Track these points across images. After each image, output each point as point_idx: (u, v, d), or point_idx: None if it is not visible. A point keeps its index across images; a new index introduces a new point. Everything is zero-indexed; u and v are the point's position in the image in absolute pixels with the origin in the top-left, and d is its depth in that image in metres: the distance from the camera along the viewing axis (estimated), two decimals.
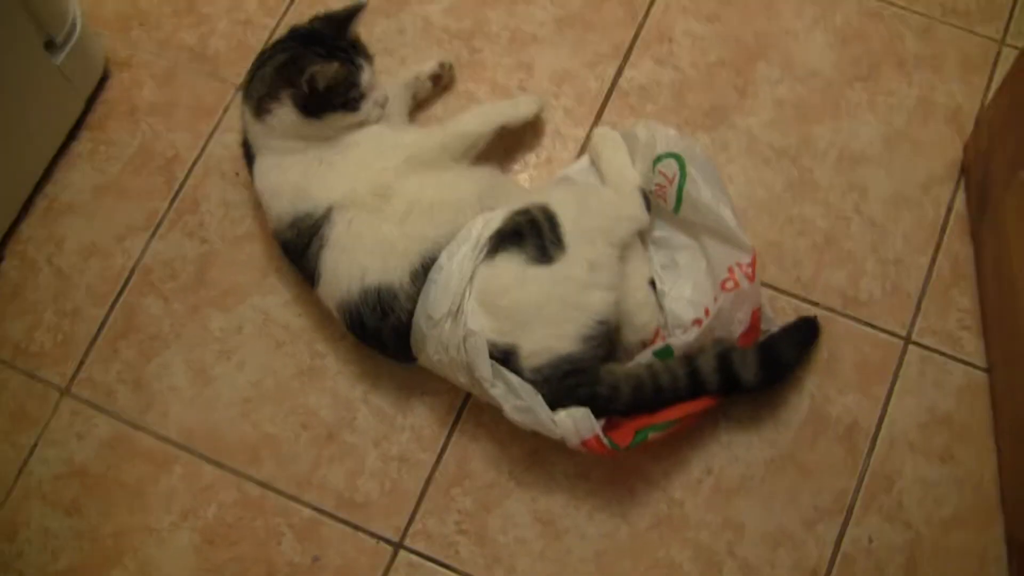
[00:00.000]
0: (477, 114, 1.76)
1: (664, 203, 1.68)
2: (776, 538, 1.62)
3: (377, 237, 1.60)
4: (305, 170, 1.65)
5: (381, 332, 1.60)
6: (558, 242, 1.54)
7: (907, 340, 1.72)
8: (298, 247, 1.66)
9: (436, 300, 1.54)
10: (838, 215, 1.79)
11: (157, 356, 1.79)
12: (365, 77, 1.66)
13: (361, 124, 1.67)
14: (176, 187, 1.89)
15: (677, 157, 1.65)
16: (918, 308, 1.73)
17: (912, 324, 1.73)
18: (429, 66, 1.89)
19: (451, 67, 1.92)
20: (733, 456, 1.67)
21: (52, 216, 1.89)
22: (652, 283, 1.68)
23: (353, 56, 1.67)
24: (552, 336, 1.53)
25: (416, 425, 1.72)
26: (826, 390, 1.69)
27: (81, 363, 1.79)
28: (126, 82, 1.97)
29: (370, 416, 1.73)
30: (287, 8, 2.01)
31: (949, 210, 1.79)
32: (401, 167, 1.63)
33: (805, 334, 1.69)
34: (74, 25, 1.83)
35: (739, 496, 1.65)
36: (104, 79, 1.97)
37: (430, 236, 1.58)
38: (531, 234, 1.54)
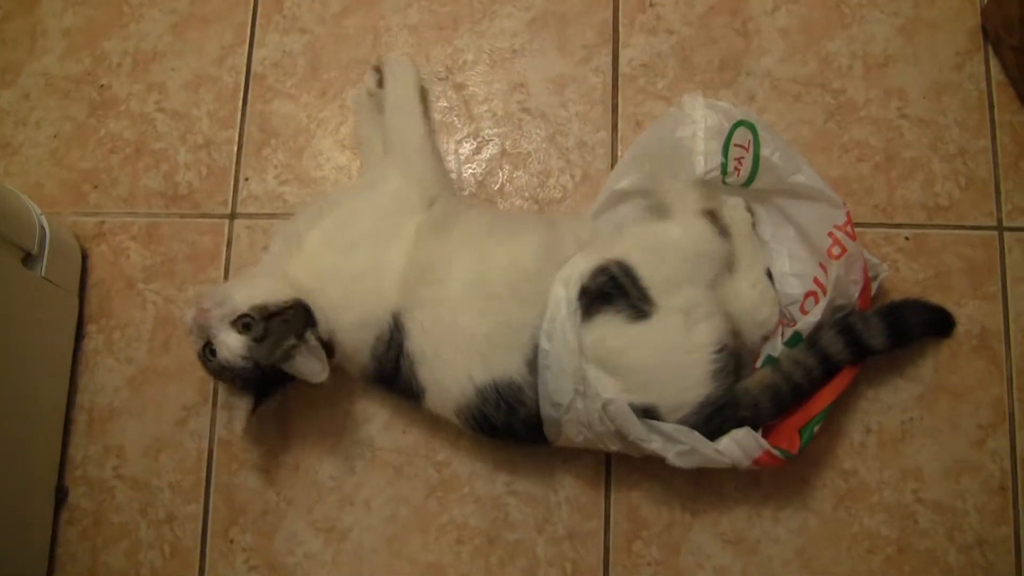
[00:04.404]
0: (403, 119, 1.67)
1: (738, 176, 1.59)
2: (955, 469, 1.61)
3: (464, 333, 1.48)
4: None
5: (512, 427, 1.50)
6: (645, 299, 1.45)
7: (1000, 228, 1.68)
8: (387, 374, 1.54)
9: (556, 387, 1.45)
10: (887, 127, 1.72)
11: (278, 530, 1.66)
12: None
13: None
14: None
15: (747, 124, 1.56)
16: (998, 192, 1.69)
17: (999, 210, 1.69)
18: (370, 79, 1.75)
19: None
20: (885, 406, 1.63)
21: (98, 427, 1.72)
22: (769, 274, 1.60)
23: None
24: (684, 389, 1.47)
25: (571, 496, 1.64)
26: (945, 307, 1.65)
27: (202, 568, 1.66)
28: (108, 255, 1.77)
29: (521, 505, 1.65)
30: (242, 113, 1.82)
31: (989, 82, 1.73)
32: (418, 236, 1.54)
33: (936, 320, 1.65)
34: (42, 227, 1.63)
35: (905, 443, 1.63)
36: (84, 260, 1.77)
37: (528, 320, 1.47)
38: (618, 294, 1.45)
